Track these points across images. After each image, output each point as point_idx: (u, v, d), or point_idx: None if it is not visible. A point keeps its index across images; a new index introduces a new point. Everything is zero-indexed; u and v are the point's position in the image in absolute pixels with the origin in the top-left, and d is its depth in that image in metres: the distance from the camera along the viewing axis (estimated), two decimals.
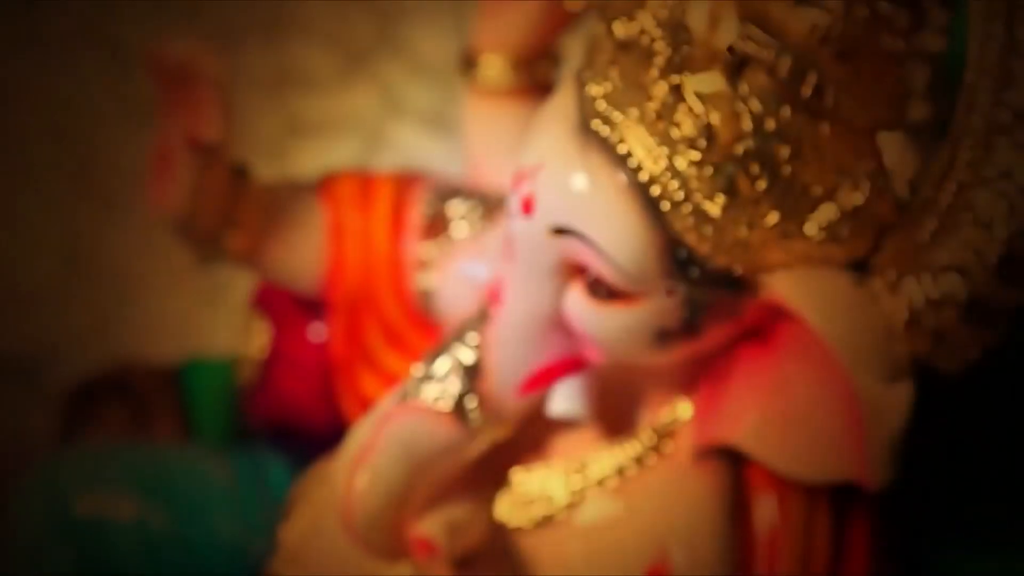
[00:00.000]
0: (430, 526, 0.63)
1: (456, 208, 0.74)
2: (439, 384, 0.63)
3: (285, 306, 0.79)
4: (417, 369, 0.64)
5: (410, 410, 0.63)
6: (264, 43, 1.13)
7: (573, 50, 0.72)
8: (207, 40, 0.70)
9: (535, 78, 0.76)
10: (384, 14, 1.16)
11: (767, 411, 0.61)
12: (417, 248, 0.74)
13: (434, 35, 1.14)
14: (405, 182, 0.76)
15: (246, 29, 1.13)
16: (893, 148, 0.58)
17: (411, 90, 1.15)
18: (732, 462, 0.63)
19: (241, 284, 0.85)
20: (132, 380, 0.83)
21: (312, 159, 1.09)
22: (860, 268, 0.59)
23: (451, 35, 1.12)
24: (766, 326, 0.61)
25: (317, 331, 0.78)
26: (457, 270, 0.72)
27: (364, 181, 0.76)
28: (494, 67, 0.75)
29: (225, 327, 0.91)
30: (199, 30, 1.11)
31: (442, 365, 0.63)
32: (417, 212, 0.75)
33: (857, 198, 0.57)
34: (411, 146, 1.13)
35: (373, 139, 1.13)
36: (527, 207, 0.60)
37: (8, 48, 1.13)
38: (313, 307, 0.78)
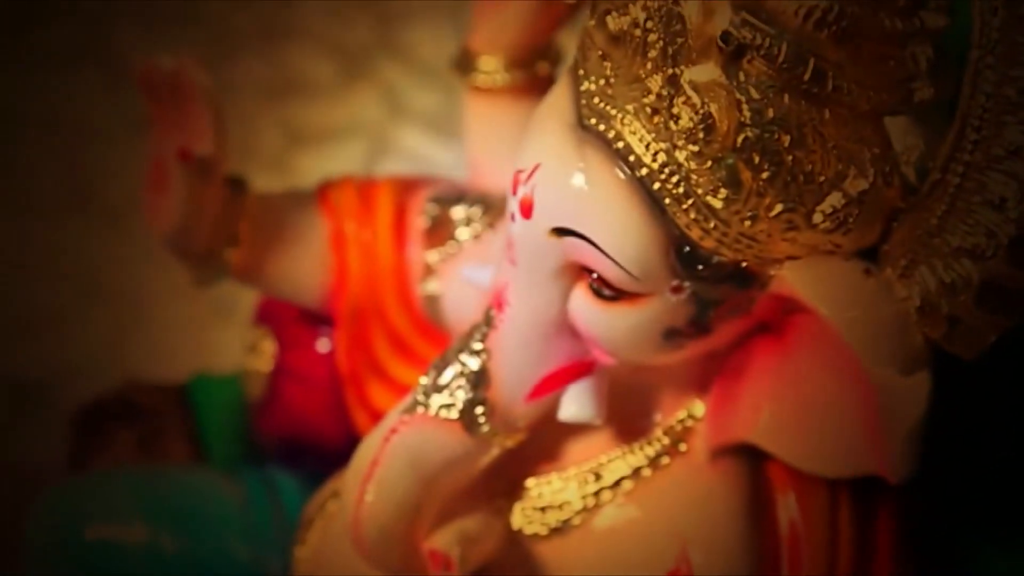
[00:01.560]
0: (443, 539, 0.62)
1: (460, 212, 0.73)
2: (446, 393, 0.62)
3: (290, 319, 0.79)
4: (424, 379, 0.63)
5: (416, 421, 0.62)
6: (262, 51, 1.12)
7: (572, 47, 0.71)
8: (205, 51, 0.69)
9: (534, 76, 0.75)
10: (383, 16, 1.15)
11: (782, 406, 0.60)
12: (421, 255, 0.73)
13: (435, 36, 1.13)
14: (406, 188, 0.75)
15: (243, 38, 1.12)
16: (898, 131, 0.56)
17: (414, 93, 1.14)
18: (750, 460, 0.62)
19: (249, 299, 0.84)
20: (139, 399, 0.83)
21: (317, 167, 1.08)
22: (870, 256, 0.57)
23: (452, 35, 1.11)
24: (778, 320, 0.60)
25: (323, 344, 0.77)
26: (462, 275, 0.71)
27: (364, 188, 0.75)
28: (491, 68, 0.74)
29: (235, 343, 0.90)
30: (197, 41, 1.10)
31: (448, 373, 0.62)
32: (419, 218, 0.74)
33: (863, 184, 0.55)
34: (417, 150, 1.12)
35: (377, 144, 1.12)
36: (526, 209, 0.58)
37: (7, 70, 1.13)
38: (319, 319, 0.77)
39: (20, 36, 1.15)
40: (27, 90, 1.12)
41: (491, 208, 0.72)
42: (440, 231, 0.73)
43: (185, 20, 1.12)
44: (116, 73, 1.12)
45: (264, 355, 0.79)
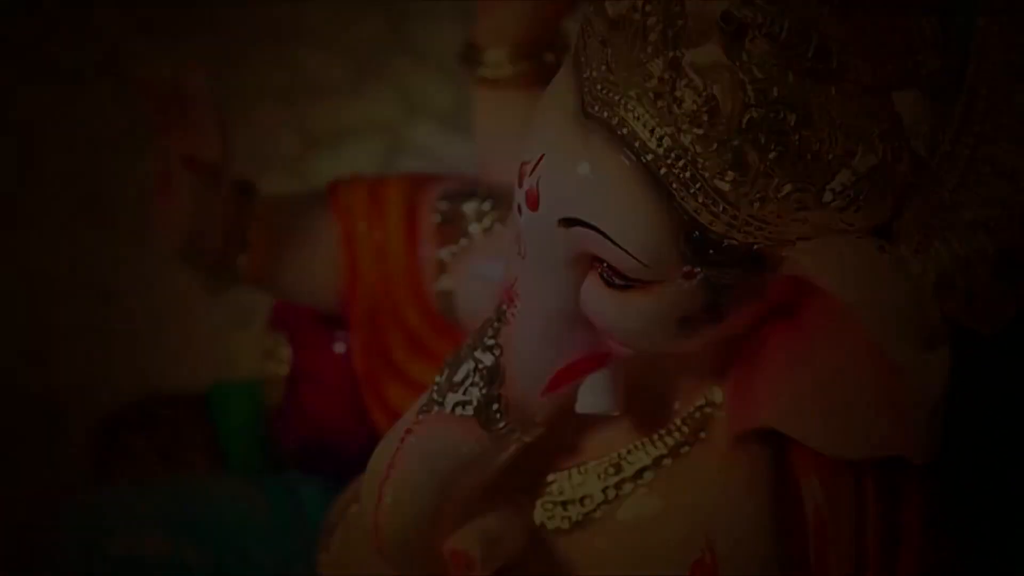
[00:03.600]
0: (465, 538, 0.61)
1: (471, 207, 0.73)
2: (461, 391, 0.61)
3: (305, 322, 0.78)
4: (438, 377, 0.62)
5: (432, 421, 0.61)
6: (274, 55, 1.12)
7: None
8: (216, 58, 0.69)
9: (541, 67, 0.74)
10: (394, 14, 1.15)
11: (802, 389, 0.59)
12: (434, 252, 0.73)
13: (447, 32, 1.13)
14: (416, 185, 0.75)
15: (254, 42, 1.12)
16: (906, 105, 0.55)
17: (429, 90, 1.14)
18: (772, 445, 0.62)
19: (265, 305, 0.84)
20: (158, 410, 0.83)
21: (333, 169, 1.07)
22: (883, 233, 0.56)
23: (465, 30, 1.11)
24: (793, 302, 0.59)
25: (340, 345, 0.77)
26: (474, 271, 0.71)
27: (374, 188, 0.75)
28: (496, 60, 0.74)
29: (253, 350, 0.90)
30: (208, 49, 1.10)
31: (463, 371, 0.61)
32: (431, 215, 0.74)
33: (872, 160, 0.54)
34: (433, 147, 1.11)
35: (394, 143, 1.12)
36: (532, 201, 0.58)
37: (19, 83, 1.13)
38: (334, 321, 0.76)
39: (32, 50, 1.15)
40: (40, 103, 1.12)
41: (502, 202, 0.72)
42: (452, 227, 0.73)
43: (195, 29, 1.11)
44: (129, 84, 1.11)
45: (281, 360, 0.79)
